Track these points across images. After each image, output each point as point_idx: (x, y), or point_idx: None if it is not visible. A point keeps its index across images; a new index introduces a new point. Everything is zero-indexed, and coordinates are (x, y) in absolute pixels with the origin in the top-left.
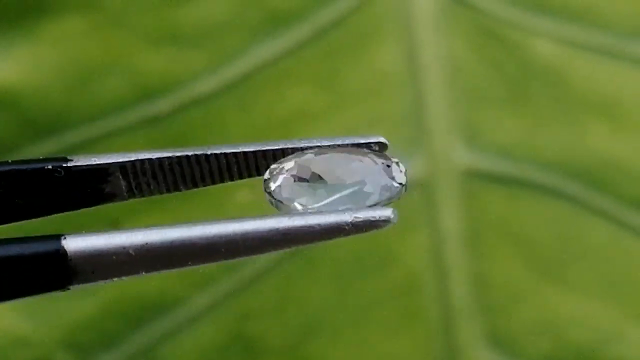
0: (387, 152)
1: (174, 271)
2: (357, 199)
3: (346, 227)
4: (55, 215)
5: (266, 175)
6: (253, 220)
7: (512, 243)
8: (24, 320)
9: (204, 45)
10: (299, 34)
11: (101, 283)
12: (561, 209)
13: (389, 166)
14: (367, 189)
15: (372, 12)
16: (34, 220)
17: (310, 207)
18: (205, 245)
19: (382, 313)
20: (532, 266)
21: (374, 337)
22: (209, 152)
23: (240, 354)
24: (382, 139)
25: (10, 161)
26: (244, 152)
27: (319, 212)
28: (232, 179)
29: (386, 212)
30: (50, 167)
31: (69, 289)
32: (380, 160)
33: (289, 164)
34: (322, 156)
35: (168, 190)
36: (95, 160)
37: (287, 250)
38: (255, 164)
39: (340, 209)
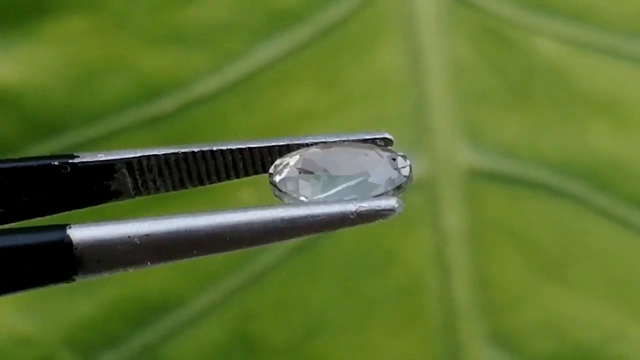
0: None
1: (179, 262)
2: (363, 191)
3: (351, 217)
4: (62, 213)
5: (271, 169)
6: (258, 210)
7: (515, 242)
8: (26, 320)
9: (207, 46)
10: (302, 35)
11: (106, 274)
12: (563, 208)
13: (394, 159)
14: (372, 180)
15: (374, 12)
16: (40, 218)
17: (315, 198)
18: (211, 234)
19: (385, 312)
20: (535, 265)
21: (376, 336)
22: (214, 148)
23: (242, 353)
24: (387, 135)
25: (16, 158)
26: (250, 148)
27: (324, 202)
28: (237, 176)
29: (391, 202)
30: (56, 163)
31: (74, 279)
32: (385, 154)
33: (294, 158)
34: (327, 150)
35: (174, 188)
36: (101, 157)
37: (292, 240)
38: (260, 160)
39: (345, 199)
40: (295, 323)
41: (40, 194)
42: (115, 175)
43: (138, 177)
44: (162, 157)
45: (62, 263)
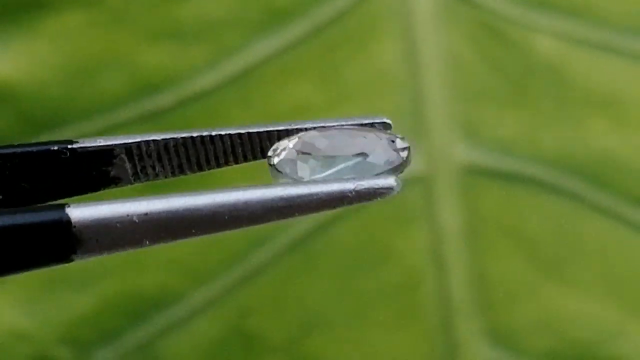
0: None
1: (178, 242)
2: (361, 171)
3: (350, 195)
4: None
5: (270, 152)
6: (257, 188)
7: (512, 239)
8: (23, 316)
9: (204, 41)
10: (299, 30)
11: (105, 254)
12: (561, 205)
13: (393, 141)
14: (371, 159)
15: (371, 8)
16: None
17: (314, 178)
18: (209, 213)
19: (381, 309)
20: (532, 262)
21: (373, 333)
22: (213, 134)
23: (239, 349)
24: (385, 119)
25: (16, 144)
26: (249, 133)
27: (322, 181)
28: (236, 162)
29: (389, 181)
30: (56, 148)
31: (72, 259)
32: (384, 136)
33: (292, 141)
34: (326, 133)
35: (173, 174)
36: (100, 142)
37: (290, 219)
38: (259, 146)
39: (344, 178)
40: (291, 319)
41: (40, 181)
42: (114, 160)
43: (137, 162)
44: (162, 142)
45: (60, 242)
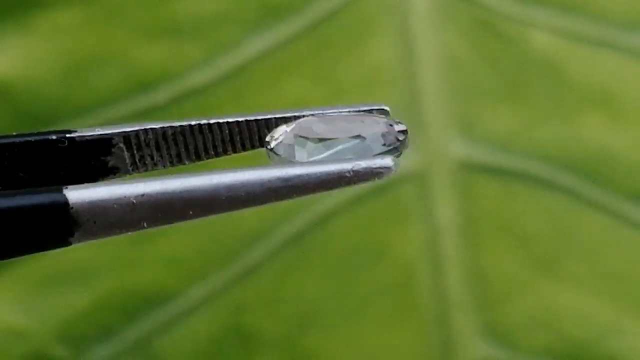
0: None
1: (176, 224)
2: (359, 153)
3: (347, 175)
4: None
5: (268, 137)
6: (254, 169)
7: (508, 235)
8: (19, 313)
9: (199, 38)
10: (294, 27)
11: (102, 237)
12: (557, 201)
13: (391, 125)
14: (368, 142)
15: (367, 4)
16: None
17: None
18: (207, 194)
19: (378, 305)
20: (528, 258)
21: (369, 329)
22: (212, 122)
23: (235, 346)
24: (383, 106)
25: (15, 134)
26: (247, 121)
27: (320, 161)
28: (235, 150)
29: (387, 161)
30: (54, 137)
31: (70, 243)
32: (382, 120)
33: (290, 126)
34: (324, 117)
35: (171, 164)
36: (98, 131)
37: (289, 200)
38: (258, 134)
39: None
40: (288, 316)
41: (38, 170)
42: (112, 150)
43: (135, 152)
44: (160, 130)
45: (58, 224)
